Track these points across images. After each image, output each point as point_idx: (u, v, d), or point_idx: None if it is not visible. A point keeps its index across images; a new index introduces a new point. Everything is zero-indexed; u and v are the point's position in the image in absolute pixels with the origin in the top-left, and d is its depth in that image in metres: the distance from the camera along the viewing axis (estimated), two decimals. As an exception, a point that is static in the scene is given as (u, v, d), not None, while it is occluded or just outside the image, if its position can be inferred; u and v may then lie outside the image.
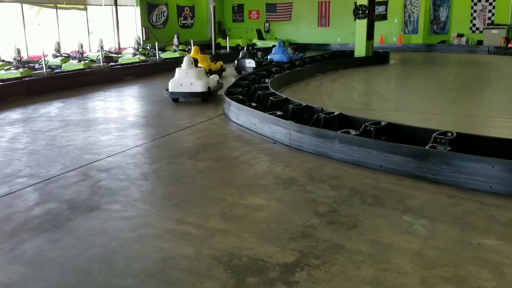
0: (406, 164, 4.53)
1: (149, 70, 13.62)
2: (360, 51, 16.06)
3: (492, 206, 3.77)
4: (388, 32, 21.81)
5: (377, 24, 19.55)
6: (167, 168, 4.98)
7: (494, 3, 20.22)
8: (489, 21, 20.37)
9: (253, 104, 7.21)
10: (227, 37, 20.67)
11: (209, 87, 8.85)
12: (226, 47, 19.52)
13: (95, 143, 6.03)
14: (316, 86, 11.17)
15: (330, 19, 23.58)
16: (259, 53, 14.14)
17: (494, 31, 19.68)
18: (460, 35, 20.81)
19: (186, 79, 8.71)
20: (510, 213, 3.63)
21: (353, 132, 5.33)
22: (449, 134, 4.86)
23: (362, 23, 15.84)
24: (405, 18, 21.85)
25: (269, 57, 14.79)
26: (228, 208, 3.84)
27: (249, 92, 8.82)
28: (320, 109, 6.56)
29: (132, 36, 18.40)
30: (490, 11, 20.36)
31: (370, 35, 16.18)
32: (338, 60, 15.32)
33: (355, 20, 16.02)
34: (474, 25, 20.81)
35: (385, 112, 7.93)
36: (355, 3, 15.85)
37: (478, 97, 9.61)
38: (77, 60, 13.29)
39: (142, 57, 15.20)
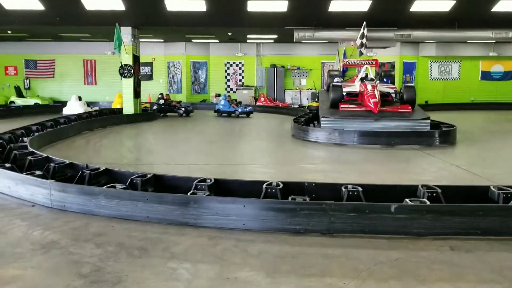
0: (171, 212, 4.63)
1: None
2: (128, 108, 16.14)
3: (246, 242, 4.14)
4: (156, 92, 22.48)
5: (145, 84, 20.15)
6: None
7: (243, 68, 23.28)
8: (240, 83, 23.27)
9: (7, 165, 6.39)
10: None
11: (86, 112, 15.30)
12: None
13: None
14: (83, 144, 10.69)
15: (97, 77, 23.20)
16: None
17: (245, 91, 22.55)
18: (218, 95, 23.03)
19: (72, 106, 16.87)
20: (260, 246, 4.05)
21: (119, 186, 5.22)
22: (208, 180, 5.21)
23: (129, 82, 16.06)
24: (169, 79, 23.11)
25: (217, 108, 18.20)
26: (-31, 286, 3.21)
27: (3, 152, 7.81)
28: (85, 165, 6.26)
29: None
30: (240, 74, 23.33)
31: (137, 94, 16.49)
32: (107, 117, 15.04)
33: (121, 79, 16.13)
34: (228, 86, 23.43)
35: (154, 165, 8.08)
36: (121, 62, 16.01)
37: (233, 148, 10.70)
38: None
39: None
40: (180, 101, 19.01)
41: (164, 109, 17.82)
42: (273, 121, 17.12)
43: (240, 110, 17.81)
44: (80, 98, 17.95)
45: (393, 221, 4.27)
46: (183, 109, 17.85)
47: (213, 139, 12.08)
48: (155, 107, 17.87)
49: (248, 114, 17.92)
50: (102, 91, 22.78)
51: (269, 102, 21.67)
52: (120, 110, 16.37)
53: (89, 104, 19.23)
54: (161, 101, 17.78)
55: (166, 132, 14.06)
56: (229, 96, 19.21)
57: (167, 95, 18.64)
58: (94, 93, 22.65)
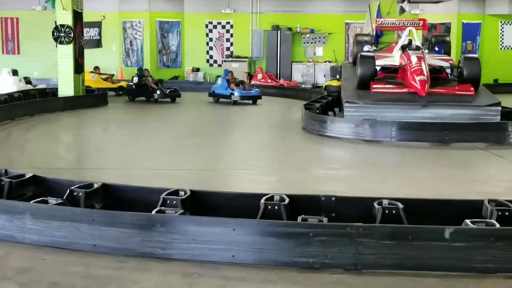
0: (128, 238, 4.63)
1: None
2: (66, 88, 16.06)
3: (237, 281, 4.16)
4: (106, 64, 22.38)
5: (90, 53, 20.02)
6: None
7: (232, 31, 23.21)
8: (228, 53, 23.24)
9: None
10: None
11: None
12: None
13: None
14: (1, 139, 10.75)
15: (20, 44, 23.15)
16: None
17: (235, 65, 22.51)
18: (196, 70, 23.02)
19: (4, 83, 16.44)
20: (256, 287, 4.06)
21: (53, 200, 5.22)
22: (182, 193, 5.22)
23: (67, 50, 15.98)
24: (126, 46, 23.06)
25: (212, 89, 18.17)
26: None
27: None
28: (3, 171, 6.30)
29: None
30: (228, 40, 23.28)
31: (79, 67, 16.41)
32: (35, 101, 15.02)
33: (56, 45, 16.09)
34: (211, 56, 23.43)
35: (103, 171, 8.13)
36: (55, 22, 15.96)
37: (219, 146, 10.73)
38: None
39: None
40: (161, 80, 18.53)
41: (135, 91, 17.87)
42: (276, 107, 17.15)
43: (237, 94, 16.95)
44: (15, 72, 17.76)
45: (447, 252, 4.28)
46: (159, 91, 17.42)
47: (191, 133, 12.13)
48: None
49: (254, 99, 17.25)
50: (28, 63, 22.62)
51: (270, 81, 21.68)
52: (55, 91, 16.31)
53: (29, 81, 18.77)
54: (135, 79, 17.82)
55: (124, 122, 14.06)
56: (230, 72, 18.29)
57: (146, 70, 18.66)
58: (17, 65, 22.47)
